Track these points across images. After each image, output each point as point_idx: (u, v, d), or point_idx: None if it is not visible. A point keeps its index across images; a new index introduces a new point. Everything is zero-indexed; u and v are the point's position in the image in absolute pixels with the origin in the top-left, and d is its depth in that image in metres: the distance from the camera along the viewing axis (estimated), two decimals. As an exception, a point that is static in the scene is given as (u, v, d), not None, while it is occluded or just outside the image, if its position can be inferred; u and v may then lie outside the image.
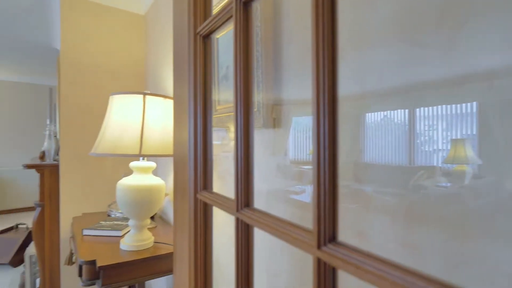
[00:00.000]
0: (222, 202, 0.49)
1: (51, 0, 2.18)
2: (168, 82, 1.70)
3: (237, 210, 0.42)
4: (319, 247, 0.27)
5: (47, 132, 2.07)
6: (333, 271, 0.27)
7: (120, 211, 1.67)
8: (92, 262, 1.11)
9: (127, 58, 2.15)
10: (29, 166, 1.96)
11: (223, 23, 0.51)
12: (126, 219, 1.58)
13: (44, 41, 3.16)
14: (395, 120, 0.53)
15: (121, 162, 2.10)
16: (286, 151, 0.79)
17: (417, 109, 0.50)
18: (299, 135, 0.77)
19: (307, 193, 0.74)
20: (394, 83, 0.52)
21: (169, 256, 1.23)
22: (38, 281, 2.11)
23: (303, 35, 0.72)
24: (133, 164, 1.26)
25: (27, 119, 4.96)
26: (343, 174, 0.61)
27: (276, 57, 0.81)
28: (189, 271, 0.58)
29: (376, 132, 0.56)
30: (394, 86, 0.52)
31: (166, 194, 1.66)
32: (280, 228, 0.34)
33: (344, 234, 0.61)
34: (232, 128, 1.07)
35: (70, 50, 1.95)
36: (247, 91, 0.45)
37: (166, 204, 1.75)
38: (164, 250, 1.24)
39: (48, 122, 2.09)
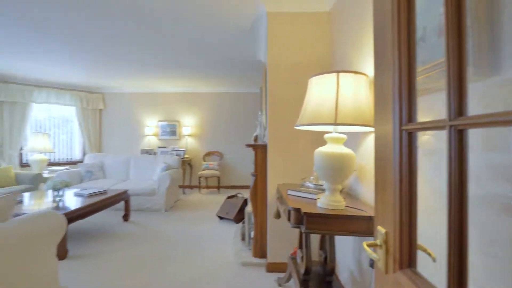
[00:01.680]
0: (429, 125, 0.55)
1: (261, 20, 2.85)
2: (355, 65, 1.81)
3: (450, 120, 0.46)
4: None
5: (258, 121, 2.72)
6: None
7: (312, 182, 1.95)
8: (298, 210, 1.40)
9: (315, 53, 2.45)
10: (248, 145, 2.66)
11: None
12: (318, 188, 1.83)
13: (252, 56, 4.13)
14: None
15: (311, 144, 2.43)
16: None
17: None
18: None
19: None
20: None
21: (359, 219, 1.33)
22: (252, 233, 2.81)
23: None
24: (327, 135, 1.46)
25: (242, 117, 6.64)
26: None
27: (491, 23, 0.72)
28: (394, 195, 0.66)
29: None
30: None
31: (354, 170, 1.78)
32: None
33: None
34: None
35: (274, 56, 2.47)
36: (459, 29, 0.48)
37: (353, 180, 1.87)
38: (354, 213, 1.36)
39: (259, 113, 2.74)
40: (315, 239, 2.25)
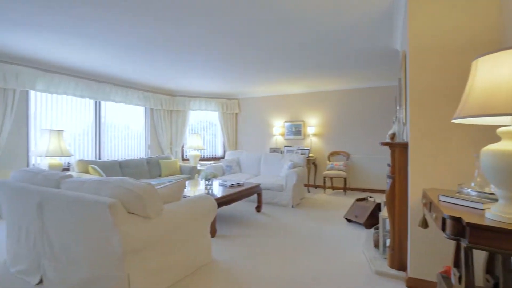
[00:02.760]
0: None
1: (398, 2, 2.54)
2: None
3: None
4: None
5: (396, 117, 2.44)
6: None
7: (474, 189, 1.58)
8: (457, 219, 1.16)
9: (473, 30, 1.97)
10: (384, 144, 2.42)
11: None
12: (484, 197, 1.47)
13: (386, 46, 3.74)
14: None
15: (468, 142, 1.98)
16: None
17: None
18: None
19: None
20: None
21: (560, 241, 0.98)
22: (388, 241, 2.55)
23: None
24: (503, 129, 1.15)
25: (372, 114, 6.16)
26: None
27: None
28: None
29: None
30: None
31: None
32: None
33: None
34: None
35: (416, 41, 2.14)
36: None
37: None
38: (550, 233, 1.01)
39: (398, 108, 2.45)
40: (478, 258, 1.82)
